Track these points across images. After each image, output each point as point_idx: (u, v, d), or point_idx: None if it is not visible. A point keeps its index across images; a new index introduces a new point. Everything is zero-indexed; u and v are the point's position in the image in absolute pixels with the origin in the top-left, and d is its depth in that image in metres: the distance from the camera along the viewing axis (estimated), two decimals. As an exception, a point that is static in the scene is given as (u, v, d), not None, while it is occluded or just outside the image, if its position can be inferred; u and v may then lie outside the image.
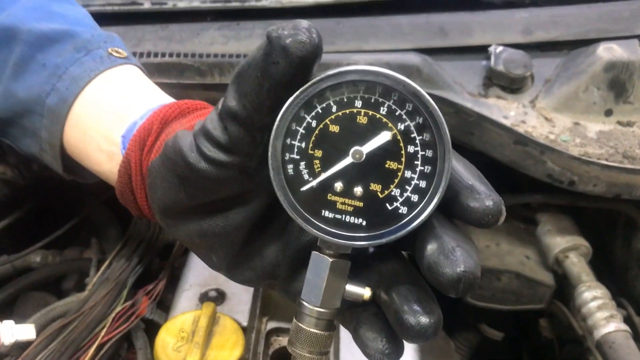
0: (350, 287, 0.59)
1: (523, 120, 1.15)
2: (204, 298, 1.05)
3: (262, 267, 0.68)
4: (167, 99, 0.85)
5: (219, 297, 1.05)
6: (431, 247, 0.52)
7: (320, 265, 0.58)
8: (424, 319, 0.53)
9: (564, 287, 1.35)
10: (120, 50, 0.92)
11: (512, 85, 1.19)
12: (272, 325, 1.05)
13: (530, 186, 1.36)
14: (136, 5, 1.29)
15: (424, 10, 1.28)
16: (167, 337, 0.94)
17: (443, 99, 1.16)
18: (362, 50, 1.22)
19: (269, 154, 0.55)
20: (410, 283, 0.57)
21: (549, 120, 1.16)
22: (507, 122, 1.14)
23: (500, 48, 1.20)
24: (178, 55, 1.20)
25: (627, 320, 1.23)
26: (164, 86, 0.91)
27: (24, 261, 1.26)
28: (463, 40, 1.24)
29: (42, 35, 0.90)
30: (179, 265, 1.20)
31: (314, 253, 0.59)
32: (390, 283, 0.58)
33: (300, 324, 0.60)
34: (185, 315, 0.98)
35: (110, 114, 0.83)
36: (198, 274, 1.10)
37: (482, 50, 1.23)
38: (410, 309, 0.54)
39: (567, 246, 1.33)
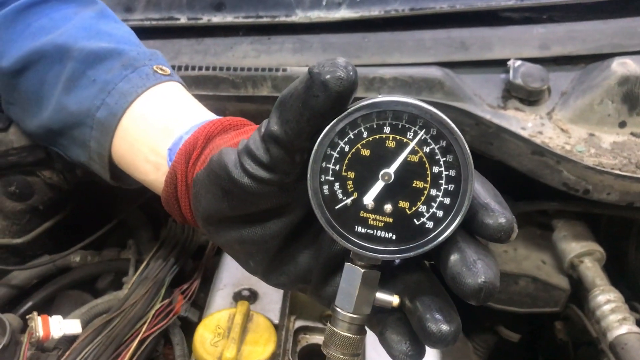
0: (380, 295, 0.63)
1: (540, 131, 1.19)
2: (237, 297, 1.09)
3: (295, 273, 0.73)
4: (209, 115, 0.90)
5: (252, 297, 1.09)
6: (454, 259, 0.56)
7: (352, 275, 0.62)
8: (444, 327, 0.57)
9: (579, 291, 1.37)
10: (164, 68, 0.97)
11: (529, 97, 1.23)
12: (299, 323, 1.09)
13: (546, 193, 1.39)
14: (173, 20, 1.34)
15: (446, 26, 1.32)
16: (205, 333, 0.98)
17: (464, 110, 1.20)
18: (386, 64, 1.26)
19: (308, 176, 0.59)
20: (433, 293, 0.61)
21: (565, 131, 1.20)
22: (524, 133, 1.18)
23: (518, 62, 1.24)
24: (214, 68, 1.25)
25: (640, 324, 1.26)
26: (200, 98, 0.97)
27: (64, 261, 1.31)
28: (483, 54, 1.28)
29: (92, 53, 0.95)
30: (211, 267, 1.25)
31: (347, 264, 0.63)
32: (415, 292, 0.62)
33: (334, 329, 0.64)
34: (221, 312, 1.02)
35: (157, 128, 0.88)
36: (232, 275, 1.15)
37: (501, 64, 1.27)
38: (433, 317, 0.58)
39: (582, 251, 1.35)
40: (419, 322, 0.59)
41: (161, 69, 0.97)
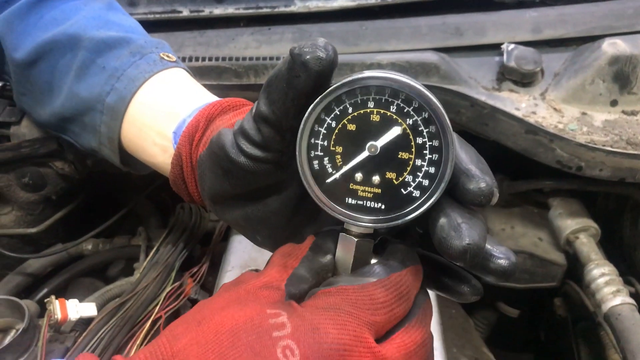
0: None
1: (534, 111, 1.21)
2: (245, 277, 1.14)
3: None
4: (211, 98, 0.94)
5: (259, 276, 1.13)
6: (440, 224, 0.59)
7: (347, 244, 0.65)
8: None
9: (576, 267, 1.40)
10: (170, 55, 1.01)
11: (523, 79, 1.26)
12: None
13: (542, 173, 1.42)
14: (175, 13, 1.38)
15: (441, 12, 1.35)
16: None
17: (459, 93, 1.22)
18: (384, 51, 1.29)
19: (297, 152, 0.62)
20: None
21: (557, 111, 1.22)
22: (519, 114, 1.20)
23: (512, 46, 1.27)
24: (217, 59, 1.28)
25: (635, 296, 1.27)
26: (205, 87, 1.00)
27: (77, 249, 1.36)
28: (477, 39, 1.31)
29: (101, 41, 0.99)
30: (219, 252, 1.29)
31: (342, 234, 0.66)
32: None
33: None
34: (229, 291, 1.07)
35: (162, 112, 0.92)
36: (239, 257, 1.19)
37: (495, 48, 1.30)
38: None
39: (577, 228, 1.38)
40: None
41: (167, 56, 1.01)
